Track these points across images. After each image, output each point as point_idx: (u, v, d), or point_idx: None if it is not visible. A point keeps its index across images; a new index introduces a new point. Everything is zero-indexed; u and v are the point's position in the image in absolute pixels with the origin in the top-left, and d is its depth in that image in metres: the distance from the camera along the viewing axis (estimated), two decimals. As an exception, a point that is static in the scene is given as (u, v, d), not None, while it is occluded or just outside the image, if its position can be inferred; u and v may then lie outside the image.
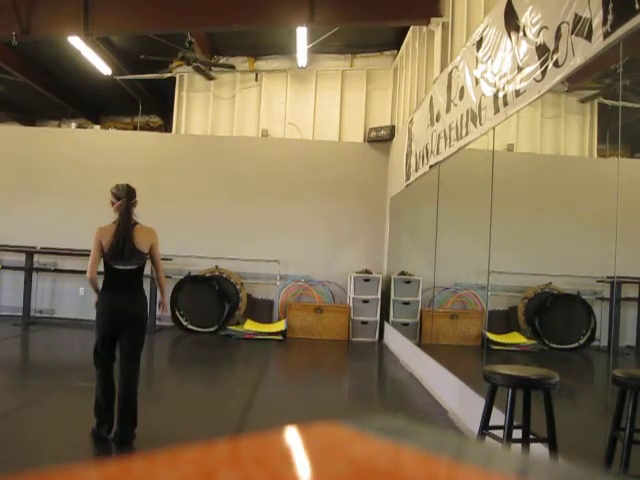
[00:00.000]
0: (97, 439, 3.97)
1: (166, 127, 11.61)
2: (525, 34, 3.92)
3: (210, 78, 9.75)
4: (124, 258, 3.98)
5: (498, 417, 3.08)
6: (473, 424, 4.00)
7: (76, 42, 7.76)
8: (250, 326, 9.10)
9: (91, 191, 9.80)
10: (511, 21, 4.19)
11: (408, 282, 8.99)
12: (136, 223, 4.06)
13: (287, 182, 9.82)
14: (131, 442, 3.88)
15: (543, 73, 3.61)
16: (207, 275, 9.55)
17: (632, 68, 3.78)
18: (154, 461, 0.52)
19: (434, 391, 5.72)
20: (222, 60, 10.02)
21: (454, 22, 6.53)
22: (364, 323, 9.30)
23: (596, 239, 5.62)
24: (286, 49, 9.50)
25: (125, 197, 3.99)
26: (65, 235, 9.57)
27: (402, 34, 9.07)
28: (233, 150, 10.03)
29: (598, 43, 2.95)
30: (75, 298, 9.70)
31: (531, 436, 3.04)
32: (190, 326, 9.21)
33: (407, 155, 8.01)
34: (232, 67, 9.89)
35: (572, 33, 3.22)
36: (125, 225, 3.98)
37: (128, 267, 3.99)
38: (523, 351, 7.15)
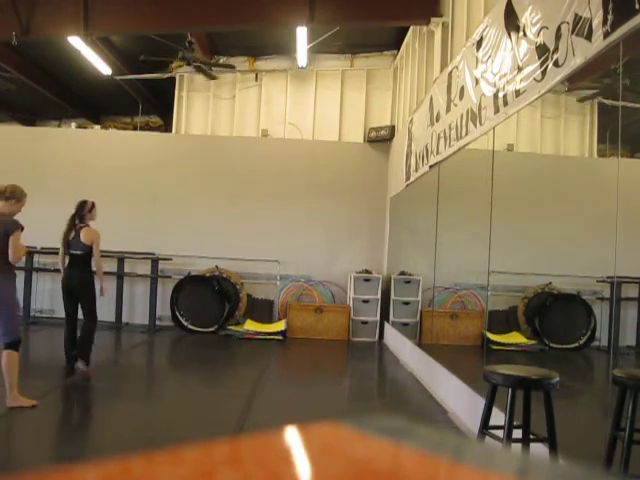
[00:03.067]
0: (66, 370, 5.76)
1: (166, 127, 11.61)
2: (525, 34, 3.92)
3: (212, 77, 9.76)
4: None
5: (498, 417, 3.08)
6: (473, 424, 4.00)
7: (76, 42, 7.76)
8: (250, 326, 9.10)
9: (91, 191, 9.79)
10: (511, 21, 4.19)
11: (408, 282, 8.99)
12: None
13: (287, 182, 9.82)
14: (74, 364, 5.78)
15: (543, 73, 3.61)
16: (207, 275, 9.55)
17: (632, 68, 3.78)
18: (154, 461, 0.52)
19: (434, 391, 5.72)
20: (222, 60, 10.02)
21: (454, 22, 6.53)
22: (364, 323, 9.30)
23: (596, 239, 5.62)
24: (286, 49, 9.50)
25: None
26: (65, 235, 9.56)
27: (402, 34, 9.07)
28: (233, 150, 10.03)
29: (598, 43, 2.95)
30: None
31: (531, 436, 3.04)
32: (190, 326, 9.21)
33: (407, 155, 8.01)
34: (232, 67, 9.89)
35: (572, 33, 3.22)
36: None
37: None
38: (523, 351, 7.15)
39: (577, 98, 7.00)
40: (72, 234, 5.95)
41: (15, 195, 4.62)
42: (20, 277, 9.40)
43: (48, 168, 9.89)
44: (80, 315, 6.03)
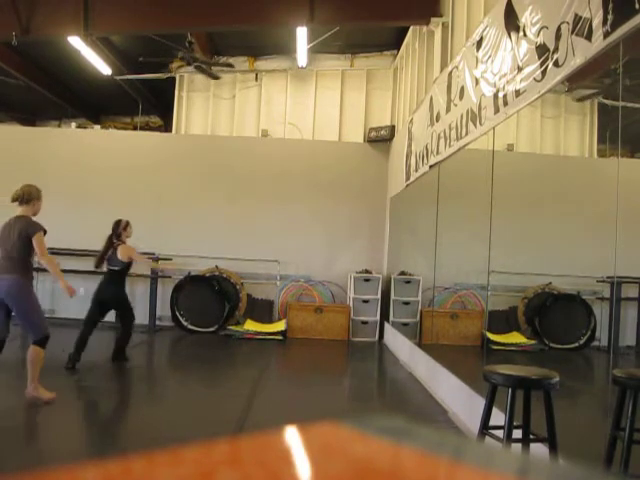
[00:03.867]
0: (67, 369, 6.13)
1: (166, 127, 11.61)
2: (525, 34, 3.92)
3: (215, 77, 9.75)
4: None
5: (498, 417, 3.08)
6: (473, 424, 4.00)
7: (76, 42, 7.75)
8: (250, 326, 9.09)
9: (91, 191, 9.81)
10: (511, 21, 4.19)
11: (408, 282, 8.99)
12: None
13: (287, 182, 9.83)
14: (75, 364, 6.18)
15: (543, 73, 3.61)
16: (207, 275, 9.55)
17: (632, 68, 3.78)
18: (154, 461, 0.52)
19: (434, 391, 5.72)
20: (222, 60, 10.02)
21: (454, 22, 6.53)
22: (364, 323, 9.30)
23: (596, 239, 5.62)
24: (286, 49, 9.50)
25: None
26: (65, 235, 9.56)
27: (402, 34, 9.07)
28: (233, 150, 10.03)
29: (598, 43, 2.95)
30: (75, 298, 9.67)
31: (531, 436, 3.04)
32: (190, 326, 9.21)
33: (407, 155, 8.01)
34: (231, 66, 9.88)
35: (572, 33, 3.22)
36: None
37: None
38: (523, 351, 7.15)
39: (576, 97, 7.00)
40: (110, 252, 6.39)
41: (32, 196, 4.80)
42: (20, 277, 9.45)
43: (48, 168, 9.88)
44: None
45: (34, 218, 4.81)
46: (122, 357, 6.53)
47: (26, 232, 4.59)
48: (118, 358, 6.50)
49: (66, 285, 4.83)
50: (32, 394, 4.63)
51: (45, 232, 4.70)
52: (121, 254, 6.33)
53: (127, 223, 6.54)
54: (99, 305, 6.43)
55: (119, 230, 6.48)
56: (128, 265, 6.42)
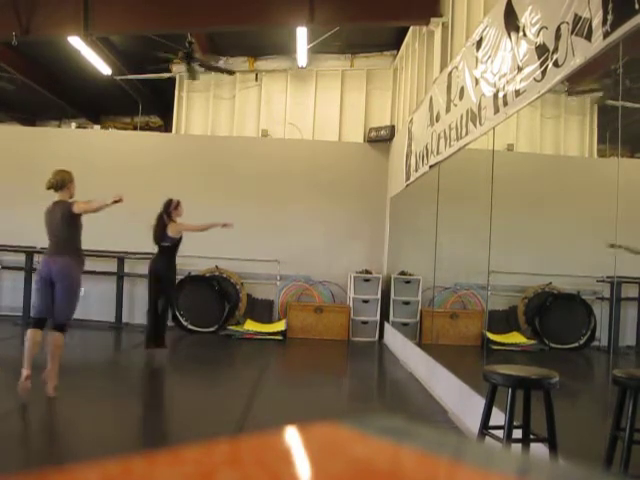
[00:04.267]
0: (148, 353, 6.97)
1: (166, 127, 11.61)
2: (525, 34, 3.92)
3: (230, 73, 9.66)
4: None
5: (498, 417, 3.08)
6: (473, 424, 4.00)
7: (76, 42, 7.76)
8: (250, 326, 9.09)
9: (91, 191, 9.76)
10: (511, 21, 4.19)
11: (408, 282, 8.99)
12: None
13: (287, 182, 9.82)
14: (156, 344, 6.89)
15: (543, 73, 3.61)
16: (207, 275, 9.55)
17: (632, 68, 3.78)
18: (154, 461, 0.52)
19: (434, 391, 5.72)
20: (222, 60, 10.01)
21: (454, 22, 6.53)
22: (364, 323, 9.30)
23: (596, 239, 5.62)
24: (286, 49, 9.49)
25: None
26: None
27: (402, 34, 9.07)
28: (233, 150, 10.03)
29: (598, 43, 2.95)
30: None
31: (531, 436, 3.04)
32: (190, 326, 9.21)
33: (407, 155, 8.01)
34: (231, 73, 9.84)
35: (572, 33, 3.22)
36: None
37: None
38: (523, 351, 7.15)
39: (574, 96, 7.00)
40: (160, 229, 6.75)
41: (65, 182, 5.07)
42: (20, 277, 9.45)
43: (48, 168, 9.81)
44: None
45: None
46: (162, 343, 6.84)
47: (67, 211, 4.81)
48: (157, 344, 6.80)
49: (112, 201, 4.96)
50: (45, 381, 4.71)
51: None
52: (171, 231, 6.71)
53: (178, 202, 6.86)
54: (155, 283, 6.78)
55: (170, 209, 6.80)
56: (178, 241, 6.80)
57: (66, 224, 4.83)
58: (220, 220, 7.32)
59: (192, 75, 9.42)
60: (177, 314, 9.31)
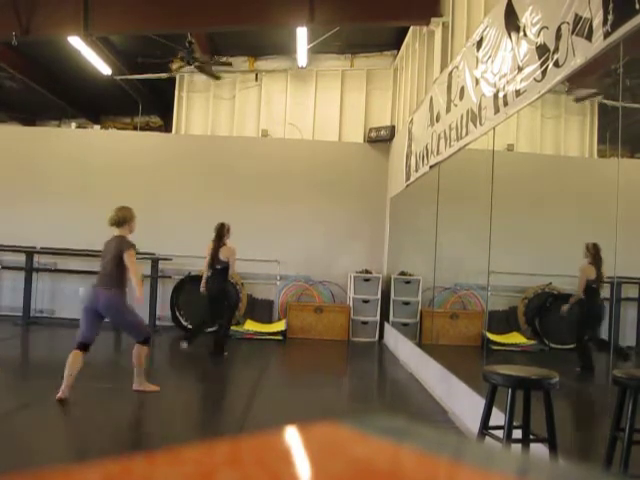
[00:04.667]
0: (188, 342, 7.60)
1: (166, 127, 11.61)
2: (525, 34, 3.92)
3: (216, 77, 9.72)
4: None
5: (498, 417, 3.08)
6: (473, 424, 4.00)
7: (76, 42, 7.75)
8: (250, 326, 9.09)
9: (91, 191, 9.80)
10: (511, 21, 4.19)
11: (408, 282, 8.99)
12: None
13: (287, 182, 9.82)
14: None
15: (543, 73, 3.61)
16: (207, 275, 9.54)
17: (632, 68, 3.78)
18: (154, 461, 0.52)
19: (434, 391, 5.72)
20: (222, 60, 10.01)
21: (454, 22, 6.53)
22: (364, 323, 9.30)
23: (596, 239, 5.62)
24: (286, 49, 9.49)
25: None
26: (65, 235, 9.57)
27: (402, 34, 9.07)
28: (233, 150, 10.03)
29: (598, 43, 2.95)
30: (75, 298, 9.69)
31: (531, 436, 3.04)
32: (190, 326, 9.20)
33: (407, 155, 8.01)
34: (229, 64, 9.85)
35: (572, 33, 3.22)
36: None
37: None
38: (523, 351, 7.15)
39: (575, 97, 7.00)
40: (215, 252, 7.30)
41: (126, 219, 5.26)
42: (20, 277, 9.45)
43: (48, 168, 9.89)
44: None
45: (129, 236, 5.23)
46: (220, 351, 7.35)
47: (120, 249, 5.03)
48: (216, 352, 7.33)
49: (141, 294, 5.11)
50: (138, 388, 5.26)
51: (135, 248, 5.11)
52: (223, 255, 7.24)
53: (228, 227, 7.43)
54: (210, 302, 7.41)
55: (223, 233, 7.35)
56: (228, 265, 7.28)
57: (116, 259, 5.04)
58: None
59: (211, 74, 9.43)
60: (177, 314, 9.31)
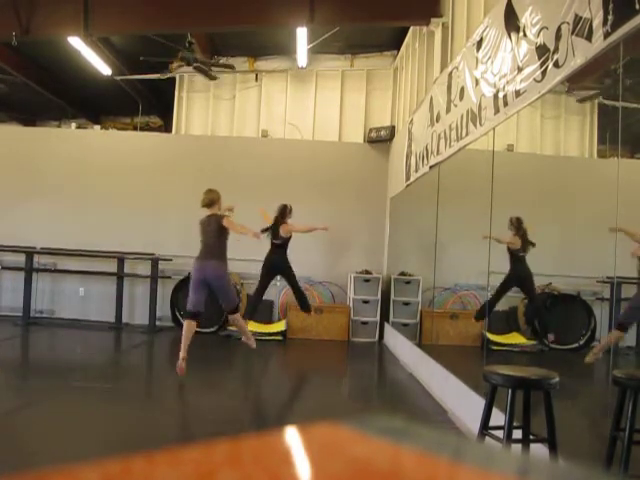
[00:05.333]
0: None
1: (166, 127, 11.60)
2: (525, 34, 3.92)
3: (212, 78, 9.74)
4: None
5: (498, 417, 3.08)
6: (473, 424, 4.00)
7: (76, 42, 7.75)
8: (250, 326, 9.06)
9: (91, 191, 9.81)
10: (511, 21, 4.19)
11: (408, 282, 8.99)
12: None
13: (287, 182, 9.81)
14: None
15: (543, 73, 3.61)
16: (207, 275, 9.54)
17: (632, 68, 3.78)
18: (154, 461, 0.52)
19: (434, 391, 5.72)
20: (222, 60, 10.01)
21: (454, 22, 6.53)
22: (364, 323, 9.30)
23: (596, 239, 5.62)
24: (286, 49, 9.49)
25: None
26: (65, 235, 9.57)
27: (402, 34, 9.07)
28: (233, 150, 10.02)
29: (598, 43, 2.95)
30: (75, 298, 9.70)
31: (531, 436, 3.04)
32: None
33: (407, 155, 8.01)
34: (232, 67, 9.87)
35: (572, 33, 3.22)
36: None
37: None
38: (523, 351, 7.15)
39: (577, 98, 7.01)
40: (275, 229, 8.23)
41: (214, 200, 6.09)
42: (20, 277, 9.45)
43: (48, 168, 9.89)
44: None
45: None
46: (307, 307, 8.55)
47: (218, 222, 5.82)
48: (304, 309, 8.53)
49: (253, 232, 6.02)
50: (246, 342, 6.47)
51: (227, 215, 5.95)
52: (283, 231, 8.21)
53: (291, 208, 8.33)
54: (267, 273, 8.33)
55: (285, 212, 8.29)
56: (288, 240, 8.25)
57: (218, 233, 5.83)
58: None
59: (208, 75, 9.42)
60: (177, 314, 9.31)
